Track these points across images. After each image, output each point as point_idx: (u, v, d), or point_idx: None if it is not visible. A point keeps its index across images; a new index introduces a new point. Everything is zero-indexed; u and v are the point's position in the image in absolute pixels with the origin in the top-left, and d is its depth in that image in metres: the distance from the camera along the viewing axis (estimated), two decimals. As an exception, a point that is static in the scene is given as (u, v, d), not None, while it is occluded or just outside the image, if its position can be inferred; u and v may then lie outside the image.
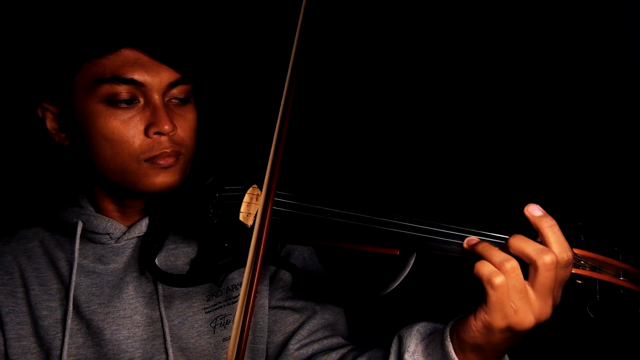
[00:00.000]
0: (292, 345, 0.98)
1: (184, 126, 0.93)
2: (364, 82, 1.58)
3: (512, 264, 0.68)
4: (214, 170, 0.97)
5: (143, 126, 0.89)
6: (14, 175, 1.50)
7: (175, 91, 0.92)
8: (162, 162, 0.90)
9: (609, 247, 0.72)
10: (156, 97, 0.89)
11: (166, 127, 0.88)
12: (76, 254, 0.96)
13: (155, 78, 0.89)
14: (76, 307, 0.95)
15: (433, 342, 0.77)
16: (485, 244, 0.72)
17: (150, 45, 0.89)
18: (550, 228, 0.69)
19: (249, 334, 1.00)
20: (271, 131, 0.77)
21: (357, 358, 0.89)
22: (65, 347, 0.92)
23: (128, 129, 0.88)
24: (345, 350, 0.94)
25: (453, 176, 1.54)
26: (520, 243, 0.69)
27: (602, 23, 1.38)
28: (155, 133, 0.89)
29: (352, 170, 1.57)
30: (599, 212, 1.32)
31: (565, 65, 1.43)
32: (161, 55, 0.89)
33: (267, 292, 1.02)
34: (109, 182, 0.94)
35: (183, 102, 0.93)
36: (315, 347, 0.98)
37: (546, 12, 1.42)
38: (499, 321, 0.68)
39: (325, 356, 0.94)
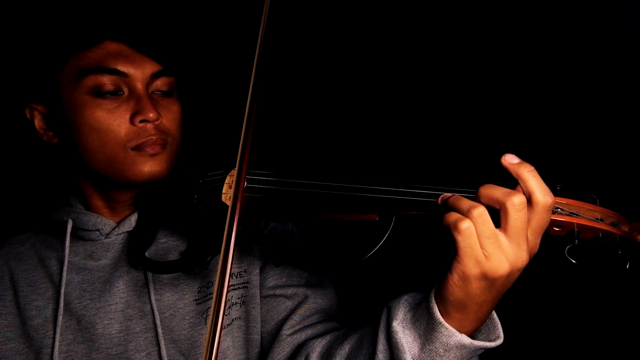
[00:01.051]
0: (285, 331, 0.97)
1: (168, 117, 0.96)
2: (330, 53, 1.60)
3: (479, 210, 0.68)
4: (197, 163, 0.99)
5: (129, 115, 0.92)
6: (6, 180, 1.53)
7: (158, 83, 0.96)
8: (149, 149, 0.93)
9: (586, 194, 0.72)
10: (140, 87, 0.93)
11: (151, 115, 0.91)
12: (66, 251, 0.97)
13: (138, 69, 0.93)
14: (67, 304, 0.95)
15: (420, 308, 0.76)
16: (456, 196, 0.72)
17: (132, 37, 0.93)
18: (529, 173, 0.69)
19: (242, 324, 1.00)
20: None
21: (349, 337, 0.88)
22: (57, 344, 0.92)
23: (114, 118, 0.91)
24: (339, 333, 0.93)
25: (428, 138, 1.53)
26: (489, 190, 0.69)
27: (602, 23, 1.39)
28: (141, 121, 0.92)
29: (326, 143, 1.57)
30: (576, 161, 1.30)
31: (565, 65, 1.44)
32: (142, 47, 0.94)
33: (258, 282, 1.02)
34: (97, 175, 0.96)
35: (166, 94, 0.98)
36: (309, 331, 0.96)
37: (546, 12, 1.43)
38: (471, 268, 0.68)
39: (319, 339, 0.93)
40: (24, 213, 1.17)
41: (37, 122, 0.99)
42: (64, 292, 0.95)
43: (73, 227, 0.99)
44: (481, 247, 0.67)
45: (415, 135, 1.55)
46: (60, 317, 0.93)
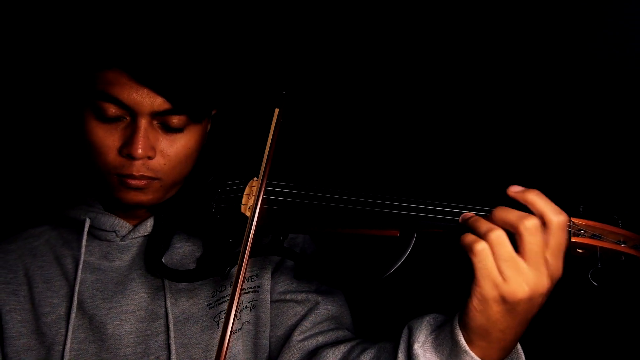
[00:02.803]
0: (296, 336, 0.97)
1: (168, 153, 0.90)
2: (356, 71, 1.59)
3: (497, 233, 0.68)
4: (214, 170, 0.98)
5: (119, 143, 0.88)
6: (23, 174, 1.52)
7: (166, 118, 0.89)
8: (130, 182, 0.89)
9: (608, 215, 0.72)
10: (141, 121, 0.87)
11: (139, 152, 0.86)
12: (82, 250, 0.97)
13: (143, 102, 0.86)
14: (80, 302, 0.95)
15: (443, 333, 0.76)
16: (475, 217, 0.72)
17: (142, 71, 0.85)
18: (536, 196, 0.70)
19: (251, 328, 1.00)
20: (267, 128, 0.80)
21: (365, 350, 0.88)
22: (68, 341, 0.92)
23: (106, 141, 0.88)
24: (353, 344, 0.92)
25: (448, 157, 1.54)
26: (503, 212, 0.70)
27: (602, 23, 1.39)
28: (127, 154, 0.88)
29: (348, 158, 1.57)
30: (597, 183, 1.32)
31: (565, 65, 1.44)
32: (151, 83, 0.86)
33: (269, 286, 1.02)
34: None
35: (176, 130, 0.90)
36: (320, 338, 0.96)
37: (546, 12, 1.43)
38: (489, 290, 0.67)
39: (333, 349, 0.92)
40: (38, 206, 1.15)
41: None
42: (77, 290, 0.94)
43: (90, 226, 0.98)
44: (499, 270, 0.67)
45: (437, 150, 1.55)
46: (72, 316, 0.93)
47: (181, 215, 0.97)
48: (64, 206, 1.04)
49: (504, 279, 0.67)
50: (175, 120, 0.88)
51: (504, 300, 0.68)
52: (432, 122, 1.56)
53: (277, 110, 0.86)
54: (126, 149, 0.87)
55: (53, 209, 1.05)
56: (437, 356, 0.75)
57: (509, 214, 0.69)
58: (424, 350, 0.76)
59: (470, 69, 1.51)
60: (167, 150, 0.90)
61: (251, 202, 0.89)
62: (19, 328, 0.94)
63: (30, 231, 1.04)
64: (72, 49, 0.92)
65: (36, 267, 0.98)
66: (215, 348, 0.95)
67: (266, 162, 0.82)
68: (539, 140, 1.47)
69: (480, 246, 0.67)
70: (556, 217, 0.68)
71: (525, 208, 0.70)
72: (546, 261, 0.68)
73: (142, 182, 0.89)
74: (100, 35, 0.89)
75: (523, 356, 0.76)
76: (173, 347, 0.93)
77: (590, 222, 0.71)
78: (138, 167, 0.88)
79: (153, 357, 0.93)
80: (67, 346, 0.92)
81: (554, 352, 1.28)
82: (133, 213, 1.00)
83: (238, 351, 0.97)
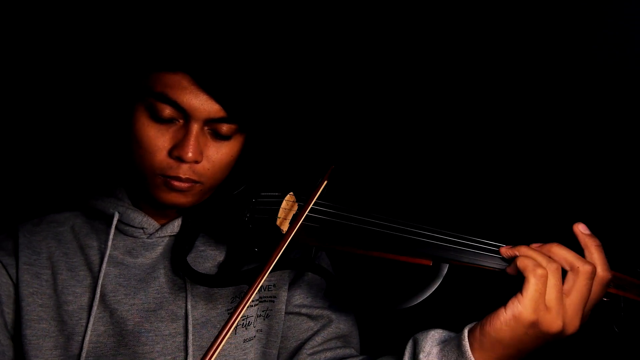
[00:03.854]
0: (306, 350, 1.00)
1: (213, 159, 0.92)
2: (394, 93, 1.59)
3: (557, 265, 0.71)
4: (246, 178, 0.99)
5: (170, 145, 0.90)
6: (50, 162, 1.52)
7: (217, 125, 0.91)
8: (175, 183, 0.91)
9: (632, 269, 0.75)
10: (194, 126, 0.89)
11: (189, 156, 0.88)
12: (109, 243, 0.97)
13: (200, 108, 0.88)
14: (102, 295, 0.95)
15: (449, 345, 0.78)
16: (532, 248, 0.75)
17: (205, 77, 0.87)
18: (597, 247, 0.73)
19: (263, 337, 1.02)
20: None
21: None
22: (89, 332, 0.92)
23: (157, 141, 0.89)
24: (359, 359, 0.95)
25: (485, 193, 1.55)
26: (562, 249, 0.73)
27: (602, 23, 1.39)
28: (177, 157, 0.89)
29: (387, 186, 1.58)
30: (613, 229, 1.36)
31: (565, 65, 1.44)
32: (213, 91, 0.88)
33: (285, 298, 1.03)
34: (137, 182, 0.97)
35: (223, 138, 0.92)
36: (328, 355, 0.99)
37: (546, 12, 1.42)
38: (530, 313, 0.70)
39: None
40: (63, 194, 1.16)
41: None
42: (101, 283, 0.96)
43: (117, 221, 0.99)
44: (546, 298, 0.70)
45: (470, 186, 1.56)
46: (95, 307, 0.94)
47: (209, 220, 0.98)
48: (88, 195, 1.04)
49: (546, 307, 0.70)
50: (226, 128, 0.91)
51: (535, 326, 0.70)
52: (474, 159, 1.58)
53: (324, 183, 0.91)
54: (177, 151, 0.89)
55: (77, 197, 1.06)
56: None
57: (569, 253, 0.72)
58: None
59: (472, 72, 1.51)
60: (212, 156, 0.92)
61: (287, 216, 0.92)
62: (39, 312, 0.94)
63: (53, 216, 1.04)
64: (137, 49, 0.92)
65: (61, 254, 0.99)
66: (232, 353, 0.98)
67: (307, 206, 0.86)
68: (540, 146, 1.49)
69: (542, 271, 0.70)
70: (604, 272, 0.72)
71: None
72: (584, 306, 0.72)
73: (185, 185, 0.91)
74: (170, 39, 0.89)
75: None
76: (190, 348, 0.94)
77: (618, 274, 0.75)
78: (185, 170, 0.90)
79: (170, 357, 0.94)
80: (87, 338, 0.92)
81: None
82: (162, 212, 1.01)
83: (251, 359, 0.99)
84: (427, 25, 1.51)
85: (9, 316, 0.94)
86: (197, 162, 0.90)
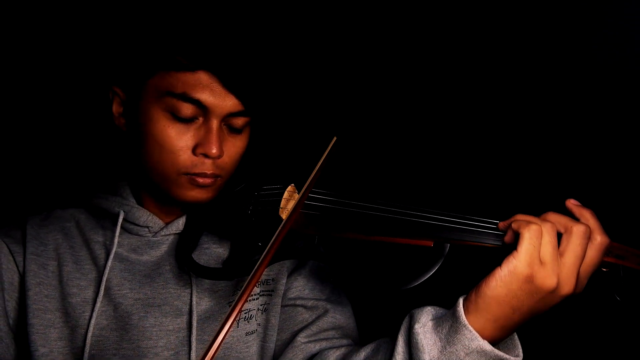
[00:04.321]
0: (301, 338, 0.99)
1: (231, 152, 0.95)
2: (393, 83, 1.60)
3: (551, 224, 0.72)
4: (247, 174, 1.01)
5: (193, 143, 0.92)
6: (54, 161, 1.53)
7: (233, 120, 0.94)
8: (200, 180, 0.93)
9: (630, 239, 0.76)
10: (214, 121, 0.91)
11: (214, 151, 0.91)
12: (115, 241, 0.98)
13: (220, 105, 0.91)
14: (106, 289, 0.96)
15: (444, 316, 0.78)
16: (527, 215, 0.75)
17: (227, 74, 0.90)
18: (591, 213, 0.75)
19: (261, 331, 1.01)
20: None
21: (365, 344, 0.90)
22: (92, 326, 0.93)
23: (180, 141, 0.91)
24: (355, 347, 0.94)
25: (480, 172, 1.56)
26: (557, 215, 0.74)
27: (602, 23, 1.40)
28: (202, 154, 0.91)
29: (385, 171, 1.59)
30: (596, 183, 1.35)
31: (565, 65, 1.45)
32: (234, 86, 0.91)
33: (282, 291, 1.03)
34: (150, 181, 0.98)
35: (237, 131, 0.96)
36: (324, 344, 0.98)
37: (546, 12, 1.44)
38: (525, 266, 0.70)
39: (334, 349, 0.95)
40: (67, 191, 1.17)
41: (115, 106, 0.99)
42: (106, 277, 0.96)
43: (122, 219, 1.00)
44: (541, 252, 0.70)
45: (465, 167, 1.57)
46: (99, 301, 0.94)
47: (212, 216, 0.99)
48: (92, 193, 1.05)
49: (541, 262, 0.70)
50: (240, 121, 0.94)
51: (530, 280, 0.70)
52: (472, 141, 1.59)
53: (334, 139, 0.91)
54: (202, 148, 0.91)
55: (80, 195, 1.07)
56: (437, 335, 0.76)
57: (563, 217, 0.73)
58: (424, 330, 0.77)
59: (472, 73, 1.52)
60: (230, 150, 0.95)
61: (288, 206, 0.92)
62: (45, 302, 0.94)
63: (58, 212, 1.05)
64: (157, 51, 0.93)
65: (67, 247, 0.99)
66: (235, 346, 0.97)
67: (310, 181, 0.85)
68: (541, 147, 1.49)
69: (535, 226, 0.71)
70: (601, 237, 0.72)
71: None
72: (578, 270, 0.71)
73: (209, 180, 0.93)
74: (191, 41, 0.91)
75: (518, 341, 0.78)
76: (194, 343, 0.94)
77: (617, 244, 0.75)
78: (209, 166, 0.93)
79: (173, 352, 0.94)
80: (90, 331, 0.92)
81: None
82: (167, 210, 1.02)
83: (253, 352, 0.99)
84: (427, 17, 1.53)
85: (10, 304, 0.94)
86: (219, 157, 0.93)
